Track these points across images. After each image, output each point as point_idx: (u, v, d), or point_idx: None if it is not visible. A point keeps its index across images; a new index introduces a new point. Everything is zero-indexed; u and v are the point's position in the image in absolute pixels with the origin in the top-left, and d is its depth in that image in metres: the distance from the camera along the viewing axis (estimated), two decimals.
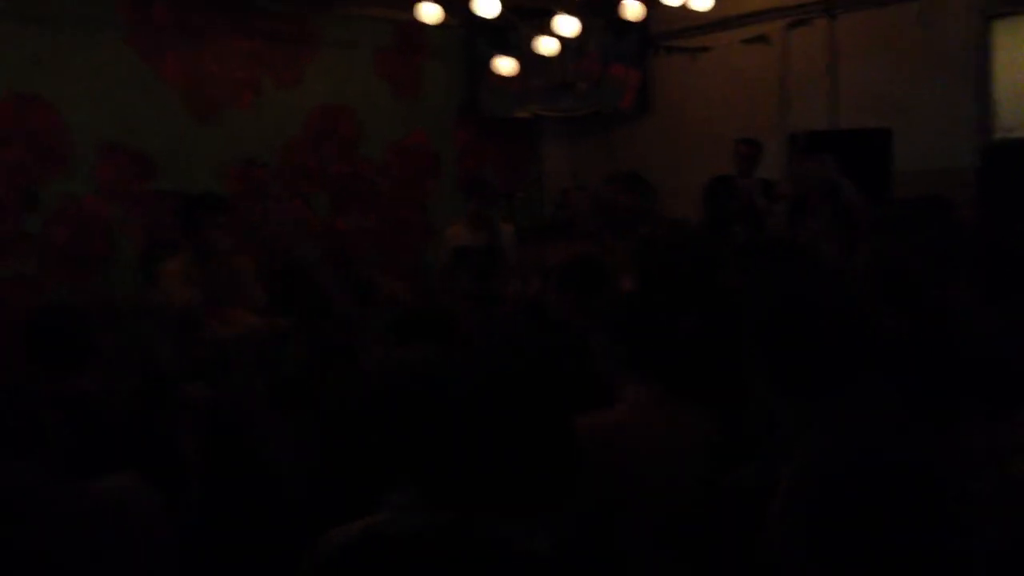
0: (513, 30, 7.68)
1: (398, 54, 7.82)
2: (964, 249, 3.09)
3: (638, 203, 6.98)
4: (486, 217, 6.06)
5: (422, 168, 8.02)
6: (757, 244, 4.38)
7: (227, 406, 3.23)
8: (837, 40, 7.04)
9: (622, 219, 6.70)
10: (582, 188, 7.31)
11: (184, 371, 3.43)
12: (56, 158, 6.08)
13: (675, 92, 8.13)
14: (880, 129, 6.71)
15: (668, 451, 2.48)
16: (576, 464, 2.42)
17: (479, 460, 1.62)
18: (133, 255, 6.25)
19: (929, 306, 2.91)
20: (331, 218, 7.46)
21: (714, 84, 7.76)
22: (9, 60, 5.89)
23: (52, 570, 2.20)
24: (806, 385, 1.94)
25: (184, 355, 3.89)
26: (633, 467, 2.43)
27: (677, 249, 3.89)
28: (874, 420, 1.88)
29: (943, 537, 1.84)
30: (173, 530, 2.48)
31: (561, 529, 1.79)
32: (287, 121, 7.19)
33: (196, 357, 3.74)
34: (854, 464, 1.82)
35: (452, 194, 7.80)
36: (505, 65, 7.21)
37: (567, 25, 6.54)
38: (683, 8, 6.65)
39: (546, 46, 6.98)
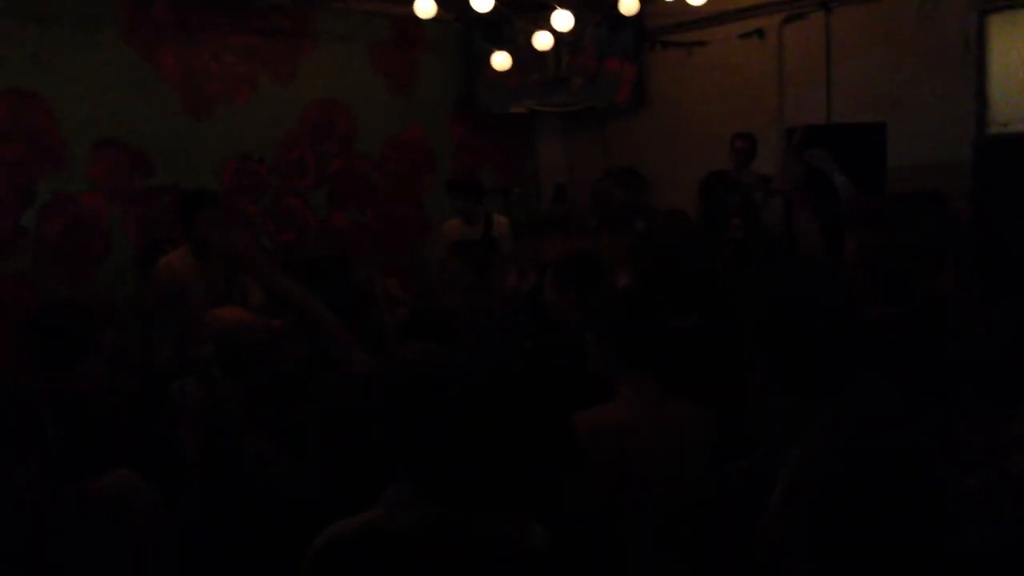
0: (509, 25, 7.67)
1: (394, 49, 7.79)
2: (959, 243, 3.10)
3: (633, 197, 7.01)
4: (477, 212, 6.07)
5: (418, 163, 7.99)
6: (754, 241, 4.38)
7: (225, 405, 3.22)
8: (833, 35, 7.04)
9: (618, 214, 6.72)
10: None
11: (183, 370, 3.42)
12: (53, 155, 6.06)
13: (671, 87, 8.11)
14: (875, 123, 6.70)
15: (668, 451, 2.49)
16: (573, 461, 2.44)
17: (477, 457, 1.63)
18: (130, 252, 6.25)
19: (920, 300, 2.92)
20: (328, 213, 7.45)
21: (710, 79, 7.75)
22: (7, 57, 5.86)
23: (52, 569, 2.21)
24: (806, 384, 1.94)
25: (183, 354, 3.89)
26: (633, 467, 2.44)
27: (674, 246, 3.89)
28: (873, 419, 1.89)
29: (942, 536, 1.85)
30: (172, 527, 2.49)
31: (559, 526, 1.80)
32: (283, 116, 7.15)
33: (195, 356, 3.73)
34: (853, 463, 1.83)
35: None
36: (501, 60, 7.20)
37: (563, 20, 6.52)
38: (679, 3, 6.63)
39: (542, 41, 6.96)
